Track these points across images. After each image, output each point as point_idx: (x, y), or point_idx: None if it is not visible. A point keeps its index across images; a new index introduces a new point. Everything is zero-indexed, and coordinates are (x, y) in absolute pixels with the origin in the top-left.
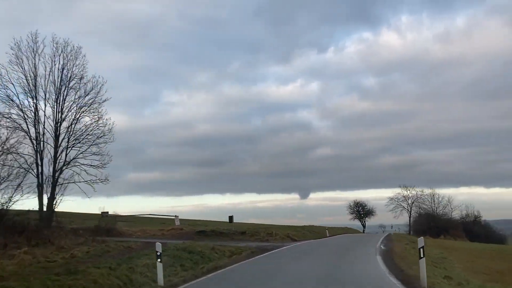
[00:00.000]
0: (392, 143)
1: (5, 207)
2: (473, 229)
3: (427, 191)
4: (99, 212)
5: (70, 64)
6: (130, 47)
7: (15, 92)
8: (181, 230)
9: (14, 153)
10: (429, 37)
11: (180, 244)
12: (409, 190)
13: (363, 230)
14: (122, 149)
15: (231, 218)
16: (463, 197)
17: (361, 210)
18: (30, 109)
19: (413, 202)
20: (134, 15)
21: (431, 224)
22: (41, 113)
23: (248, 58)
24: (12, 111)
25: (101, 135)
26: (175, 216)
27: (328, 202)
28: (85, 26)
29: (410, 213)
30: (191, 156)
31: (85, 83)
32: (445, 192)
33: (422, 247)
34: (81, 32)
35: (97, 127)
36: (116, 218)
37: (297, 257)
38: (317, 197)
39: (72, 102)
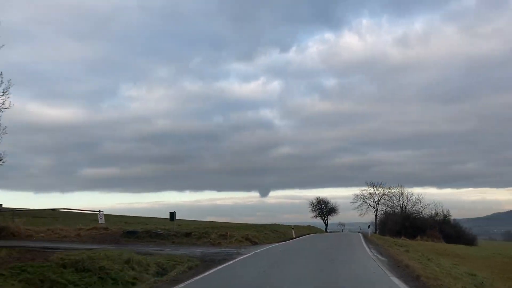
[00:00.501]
0: (350, 143)
1: None
2: (444, 229)
3: (395, 189)
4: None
5: None
6: (87, 38)
7: None
8: (106, 230)
9: None
10: (388, 41)
11: (74, 255)
12: (376, 188)
13: (326, 229)
14: (78, 143)
15: (172, 214)
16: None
17: (324, 208)
18: None
19: (379, 200)
20: (93, 5)
21: (406, 224)
22: None
23: (210, 54)
24: None
25: None
26: (99, 211)
27: (288, 200)
28: (40, 14)
29: (376, 212)
30: (149, 152)
31: None
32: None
33: None
34: (36, 20)
35: None
36: (14, 213)
37: (260, 281)
38: (277, 195)
39: None
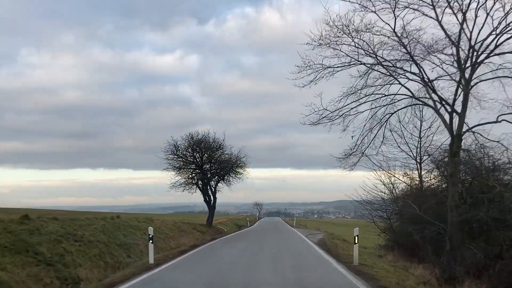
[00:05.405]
0: (268, 124)
1: None
2: None
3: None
4: None
5: None
6: None
7: None
8: None
9: None
10: (308, 21)
11: None
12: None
13: (208, 219)
14: None
15: None
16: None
17: (204, 162)
18: None
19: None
20: None
21: None
22: None
23: (122, 21)
24: None
25: None
26: None
27: None
28: None
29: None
30: (58, 126)
31: None
32: (314, 173)
33: None
34: None
35: None
36: None
37: None
38: None
39: None
